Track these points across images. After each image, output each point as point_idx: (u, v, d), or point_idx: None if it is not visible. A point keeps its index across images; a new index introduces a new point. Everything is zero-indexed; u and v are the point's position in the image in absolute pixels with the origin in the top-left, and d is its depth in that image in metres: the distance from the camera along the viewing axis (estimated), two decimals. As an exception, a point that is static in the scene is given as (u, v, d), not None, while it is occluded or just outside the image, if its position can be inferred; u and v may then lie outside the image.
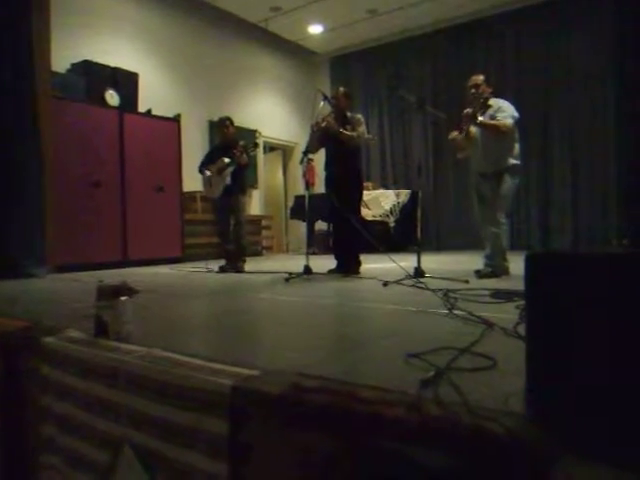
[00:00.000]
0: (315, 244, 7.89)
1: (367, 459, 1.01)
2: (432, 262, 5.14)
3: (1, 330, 2.02)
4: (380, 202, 7.92)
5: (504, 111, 4.01)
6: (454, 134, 4.18)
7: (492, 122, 3.99)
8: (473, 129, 4.09)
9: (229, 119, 5.35)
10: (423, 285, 3.25)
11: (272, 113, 9.16)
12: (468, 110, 4.05)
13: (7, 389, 1.89)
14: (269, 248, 8.71)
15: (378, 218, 7.75)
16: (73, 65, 5.93)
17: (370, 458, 1.01)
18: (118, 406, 1.48)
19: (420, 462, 0.93)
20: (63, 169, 5.25)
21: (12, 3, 4.69)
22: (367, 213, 7.27)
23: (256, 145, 5.35)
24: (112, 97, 5.97)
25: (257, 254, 7.88)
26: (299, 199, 7.98)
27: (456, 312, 2.28)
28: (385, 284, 3.48)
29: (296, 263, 4.98)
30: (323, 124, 4.40)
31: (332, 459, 1.06)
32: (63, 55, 5.69)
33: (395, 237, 7.41)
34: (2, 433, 1.88)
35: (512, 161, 4.04)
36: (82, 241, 5.45)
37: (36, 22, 4.86)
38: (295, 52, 9.54)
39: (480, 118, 3.99)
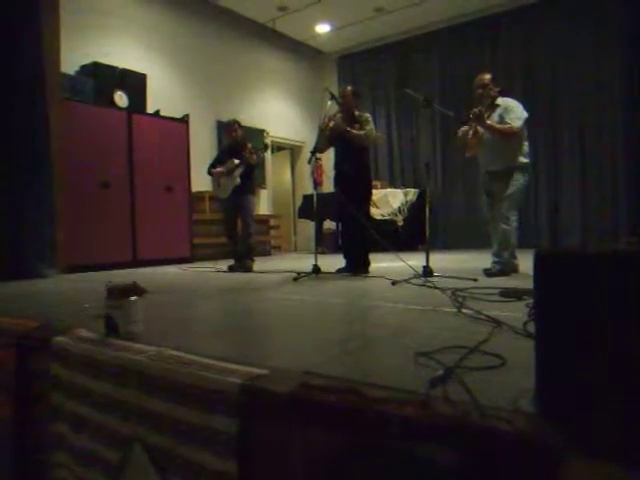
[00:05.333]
0: (324, 243, 7.89)
1: (376, 458, 1.01)
2: (441, 261, 5.12)
3: (13, 330, 2.04)
4: (388, 201, 7.90)
5: (513, 112, 3.97)
6: (463, 129, 4.15)
7: (499, 126, 3.95)
8: (481, 129, 4.06)
9: (237, 122, 5.37)
10: (432, 284, 3.25)
11: (280, 113, 9.17)
12: (476, 110, 4.02)
13: (19, 388, 1.91)
14: (277, 248, 8.71)
15: (387, 217, 7.74)
16: (82, 67, 5.97)
17: (379, 457, 1.01)
18: (128, 405, 1.49)
19: (429, 460, 0.93)
20: (73, 170, 5.29)
21: (22, 5, 4.72)
22: (375, 212, 7.25)
23: (266, 147, 5.36)
24: (121, 98, 6.01)
25: (265, 254, 7.89)
26: (307, 198, 7.98)
27: (465, 311, 2.27)
28: (394, 283, 3.48)
29: (305, 262, 4.99)
30: (331, 123, 4.40)
31: (340, 458, 1.06)
32: (72, 57, 5.73)
33: (403, 236, 7.40)
34: (14, 431, 1.90)
35: (522, 159, 4.02)
36: (92, 242, 5.49)
37: (46, 24, 4.89)
38: (302, 51, 9.55)
39: (488, 121, 3.96)
